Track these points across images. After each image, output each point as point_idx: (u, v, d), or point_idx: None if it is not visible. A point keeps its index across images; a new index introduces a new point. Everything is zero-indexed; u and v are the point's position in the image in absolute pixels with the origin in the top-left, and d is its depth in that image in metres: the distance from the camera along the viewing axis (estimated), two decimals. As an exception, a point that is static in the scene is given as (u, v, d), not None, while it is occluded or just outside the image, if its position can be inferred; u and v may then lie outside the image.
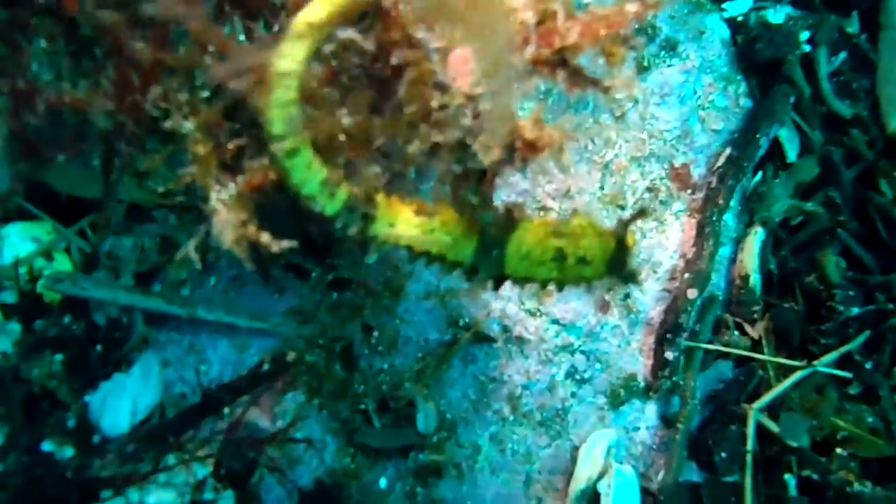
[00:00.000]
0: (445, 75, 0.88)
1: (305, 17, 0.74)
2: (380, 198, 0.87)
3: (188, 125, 0.90)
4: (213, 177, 0.89)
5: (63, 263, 1.26)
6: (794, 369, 1.39)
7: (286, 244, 0.83)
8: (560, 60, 0.93)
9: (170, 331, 1.31)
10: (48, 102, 0.82)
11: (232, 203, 0.90)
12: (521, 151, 0.92)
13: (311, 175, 0.78)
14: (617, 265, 0.88)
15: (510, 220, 0.89)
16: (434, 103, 0.90)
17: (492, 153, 0.89)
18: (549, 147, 0.90)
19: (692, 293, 1.39)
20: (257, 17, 0.95)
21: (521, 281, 0.90)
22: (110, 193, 1.04)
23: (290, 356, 1.21)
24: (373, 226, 0.87)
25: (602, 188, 1.43)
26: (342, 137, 0.90)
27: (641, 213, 0.90)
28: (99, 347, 1.26)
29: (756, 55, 1.45)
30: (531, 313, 1.36)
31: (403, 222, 0.89)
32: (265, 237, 0.85)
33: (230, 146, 0.96)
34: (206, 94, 0.93)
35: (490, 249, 0.89)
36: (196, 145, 0.89)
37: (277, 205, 1.04)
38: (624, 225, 0.87)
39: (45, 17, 0.84)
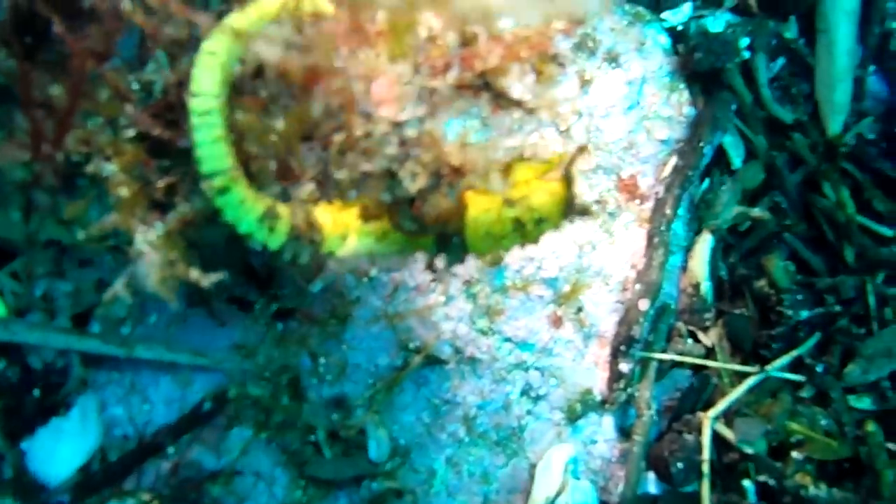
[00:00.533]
0: (369, 103, 0.86)
1: (210, 45, 0.71)
2: (322, 216, 0.84)
3: (111, 167, 0.87)
4: (137, 218, 0.87)
5: (-4, 307, 1.22)
6: (747, 375, 1.39)
7: (214, 277, 0.80)
8: (483, 83, 0.92)
9: (109, 370, 1.26)
10: None
11: (159, 243, 0.87)
12: (447, 177, 0.90)
13: (245, 212, 0.75)
14: (570, 209, 0.88)
15: (461, 204, 0.88)
16: (359, 132, 0.88)
17: (418, 180, 0.87)
18: (474, 172, 0.89)
19: (644, 304, 1.37)
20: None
21: (486, 254, 0.91)
22: (33, 241, 1.01)
23: (231, 392, 1.18)
24: (323, 247, 0.84)
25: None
26: (272, 167, 0.88)
27: (581, 149, 0.90)
28: (35, 392, 1.22)
29: (696, 65, 1.45)
30: (483, 332, 1.34)
31: (354, 233, 0.86)
32: (194, 273, 0.82)
33: (160, 184, 0.93)
34: (131, 133, 0.90)
35: (449, 237, 0.88)
36: (119, 188, 0.86)
37: (214, 237, 1.02)
38: (567, 167, 0.88)
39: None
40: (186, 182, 0.97)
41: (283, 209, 0.78)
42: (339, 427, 1.25)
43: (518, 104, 0.90)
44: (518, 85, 0.96)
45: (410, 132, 0.90)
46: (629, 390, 1.36)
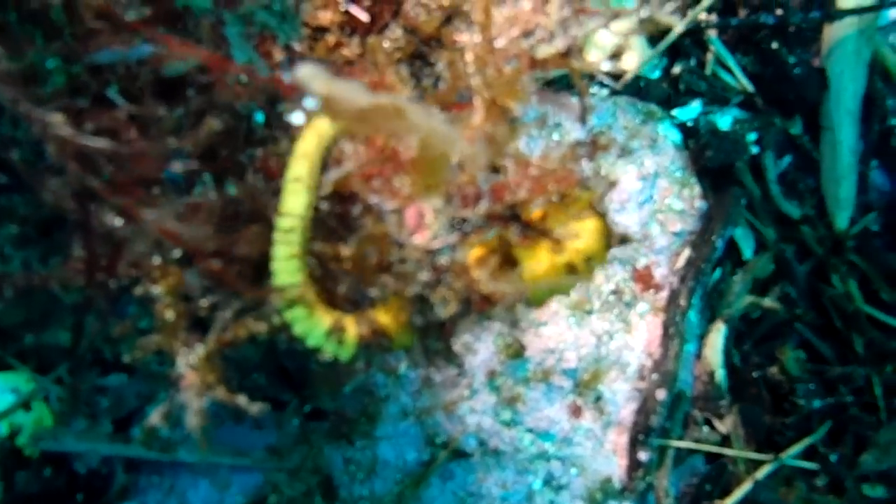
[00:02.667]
0: (401, 234, 0.88)
1: (294, 172, 0.75)
2: (383, 318, 0.86)
3: (157, 290, 0.89)
4: (179, 340, 0.88)
5: (42, 412, 1.23)
6: (762, 463, 1.38)
7: (258, 406, 0.81)
8: (512, 215, 0.93)
9: (150, 474, 1.27)
10: (16, 286, 0.80)
11: (199, 365, 0.88)
12: (476, 305, 0.91)
13: (313, 325, 0.77)
14: (611, 240, 0.90)
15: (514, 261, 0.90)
16: (393, 258, 0.89)
17: (449, 307, 0.88)
18: (502, 302, 0.90)
19: (661, 394, 1.37)
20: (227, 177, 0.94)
21: (546, 302, 0.94)
22: (79, 363, 1.02)
23: (271, 499, 1.18)
24: (395, 346, 0.86)
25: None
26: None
27: (610, 183, 0.93)
28: (80, 497, 1.22)
29: (708, 161, 1.47)
30: (506, 424, 1.34)
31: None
32: (240, 400, 0.83)
33: (204, 303, 0.95)
34: (177, 254, 0.92)
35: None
36: (165, 310, 0.87)
37: (250, 353, 1.03)
38: (598, 202, 0.89)
39: (11, 196, 0.83)
40: (229, 300, 0.98)
41: (348, 320, 0.80)
42: (369, 528, 1.25)
43: (545, 233, 0.91)
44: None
45: (442, 260, 0.91)
46: (648, 478, 1.35)
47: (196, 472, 1.26)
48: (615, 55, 1.54)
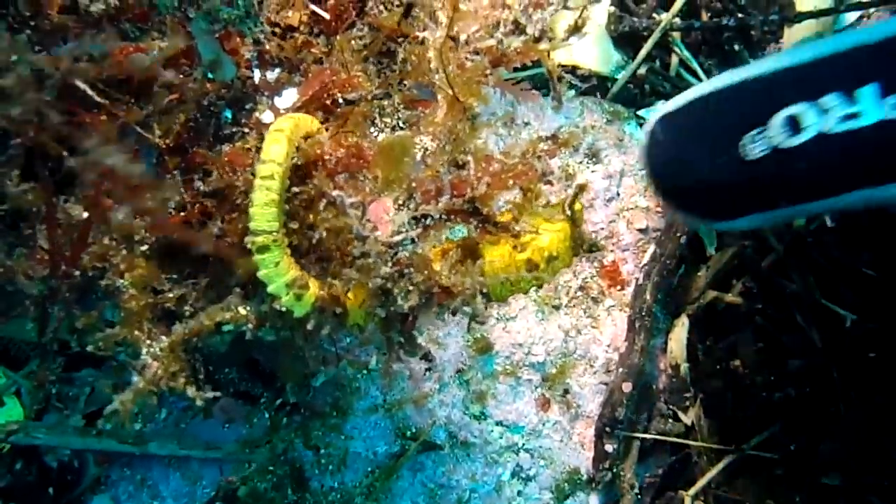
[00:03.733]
0: (363, 228, 0.88)
1: (277, 125, 0.77)
2: (349, 297, 0.86)
3: (124, 282, 0.89)
4: (144, 332, 0.88)
5: (14, 407, 1.22)
6: (725, 453, 1.40)
7: (209, 395, 0.82)
8: (472, 209, 0.94)
9: (121, 467, 1.26)
10: None
11: (163, 356, 0.88)
12: (437, 297, 0.92)
13: (278, 274, 0.78)
14: (579, 245, 0.92)
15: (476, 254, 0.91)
16: (355, 251, 0.90)
17: (411, 299, 0.89)
18: (462, 294, 0.91)
19: (627, 387, 1.39)
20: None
21: (505, 299, 0.95)
22: (46, 350, 1.02)
23: (241, 490, 1.18)
24: (348, 320, 0.86)
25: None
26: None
27: (581, 187, 0.95)
28: (51, 491, 1.22)
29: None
30: (475, 417, 1.35)
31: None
32: (191, 391, 0.84)
33: (170, 295, 0.95)
34: (143, 248, 0.92)
35: None
36: (130, 301, 0.88)
37: (216, 344, 1.03)
38: (570, 205, 0.90)
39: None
40: (195, 292, 0.99)
41: (312, 282, 0.81)
42: (341, 516, 1.25)
43: (505, 229, 0.92)
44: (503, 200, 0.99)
45: (403, 254, 0.92)
46: (614, 469, 1.37)
47: (167, 466, 1.26)
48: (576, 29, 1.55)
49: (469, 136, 0.92)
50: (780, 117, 0.69)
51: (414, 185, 0.92)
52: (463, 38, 0.91)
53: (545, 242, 0.91)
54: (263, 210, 0.74)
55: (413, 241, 0.92)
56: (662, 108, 0.79)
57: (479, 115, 0.95)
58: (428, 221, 0.94)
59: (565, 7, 0.89)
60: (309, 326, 0.84)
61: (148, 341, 0.83)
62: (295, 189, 0.89)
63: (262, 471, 1.22)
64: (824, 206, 0.71)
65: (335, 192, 0.88)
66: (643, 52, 1.54)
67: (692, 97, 0.76)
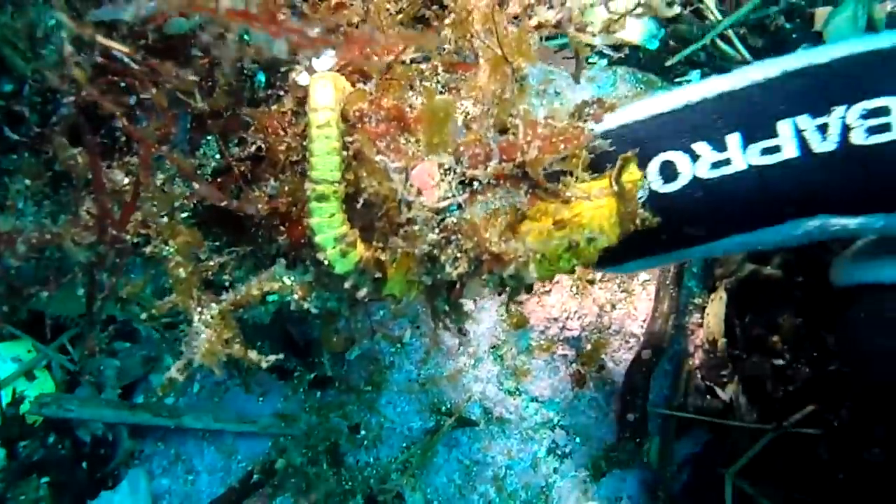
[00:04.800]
0: (408, 193, 0.88)
1: (319, 74, 0.79)
2: (391, 267, 0.86)
3: (168, 249, 0.89)
4: (194, 298, 0.88)
5: (45, 381, 1.22)
6: (765, 431, 1.40)
7: (272, 359, 0.82)
8: (521, 173, 0.94)
9: (155, 441, 1.27)
10: (29, 242, 0.80)
11: (215, 322, 0.88)
12: (487, 264, 0.92)
13: (329, 225, 0.78)
14: (627, 221, 0.88)
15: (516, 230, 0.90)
16: (401, 218, 0.90)
17: (460, 266, 0.89)
18: (514, 261, 0.90)
19: (646, 353, 1.38)
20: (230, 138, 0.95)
21: (546, 278, 0.94)
22: (93, 322, 1.02)
23: (279, 463, 1.18)
24: (385, 288, 0.86)
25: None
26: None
27: (626, 159, 0.92)
28: (85, 465, 1.22)
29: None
30: (510, 393, 1.35)
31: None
32: (252, 355, 0.84)
33: (212, 263, 0.95)
34: (185, 215, 0.92)
35: None
36: (177, 268, 0.88)
37: (260, 315, 1.03)
38: (617, 179, 0.88)
39: (23, 155, 0.83)
40: (237, 261, 0.99)
41: (360, 243, 0.81)
42: (376, 492, 1.25)
43: (555, 194, 0.92)
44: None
45: (450, 219, 0.92)
46: (637, 440, 1.37)
47: (201, 440, 1.26)
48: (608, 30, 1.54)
49: (518, 99, 0.92)
50: (656, 163, 0.71)
51: (461, 148, 0.92)
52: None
53: (585, 220, 0.89)
54: (324, 159, 0.74)
55: (460, 206, 0.92)
56: None
57: (528, 77, 0.95)
58: (476, 186, 0.93)
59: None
60: (347, 284, 0.83)
61: (199, 309, 0.83)
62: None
63: (297, 445, 1.22)
64: (702, 252, 0.73)
65: (378, 157, 0.88)
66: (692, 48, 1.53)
67: None
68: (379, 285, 0.86)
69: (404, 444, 1.30)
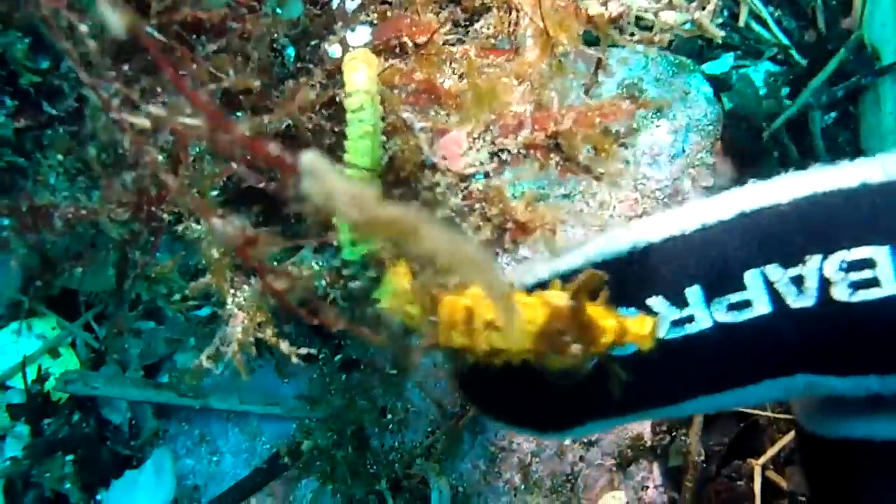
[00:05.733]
0: (433, 154, 0.88)
1: (352, 56, 0.78)
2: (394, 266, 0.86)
3: (200, 228, 0.89)
4: (227, 280, 0.88)
5: (70, 359, 1.23)
6: (794, 421, 1.39)
7: (304, 352, 0.81)
8: (554, 145, 0.94)
9: (180, 422, 1.28)
10: (64, 217, 0.80)
11: (249, 306, 0.88)
12: (512, 233, 0.92)
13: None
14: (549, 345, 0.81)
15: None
16: (424, 182, 0.89)
17: (483, 233, 0.89)
18: (541, 229, 0.90)
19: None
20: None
21: None
22: (122, 300, 1.02)
23: (305, 445, 1.19)
24: (376, 291, 0.86)
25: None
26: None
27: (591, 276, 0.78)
28: (109, 444, 1.23)
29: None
30: (537, 380, 1.35)
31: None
32: (284, 346, 0.84)
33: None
34: (215, 192, 0.92)
35: None
36: (210, 248, 0.88)
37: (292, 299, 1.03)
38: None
39: (57, 129, 0.83)
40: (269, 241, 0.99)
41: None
42: (401, 476, 1.26)
43: (587, 170, 0.92)
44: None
45: (476, 186, 0.92)
46: (672, 433, 1.37)
47: (226, 421, 1.27)
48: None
49: (556, 74, 0.91)
50: None
51: (493, 118, 0.92)
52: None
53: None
54: (357, 143, 0.74)
55: (487, 175, 0.92)
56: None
57: (568, 55, 0.94)
58: (505, 157, 0.93)
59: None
60: (345, 271, 0.83)
61: (232, 291, 0.83)
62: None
63: (322, 428, 1.23)
64: (664, 414, 0.64)
65: (405, 114, 0.87)
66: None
67: None
68: (372, 287, 0.85)
69: (429, 429, 1.30)
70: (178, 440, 1.28)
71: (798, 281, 0.54)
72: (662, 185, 1.47)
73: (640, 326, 0.57)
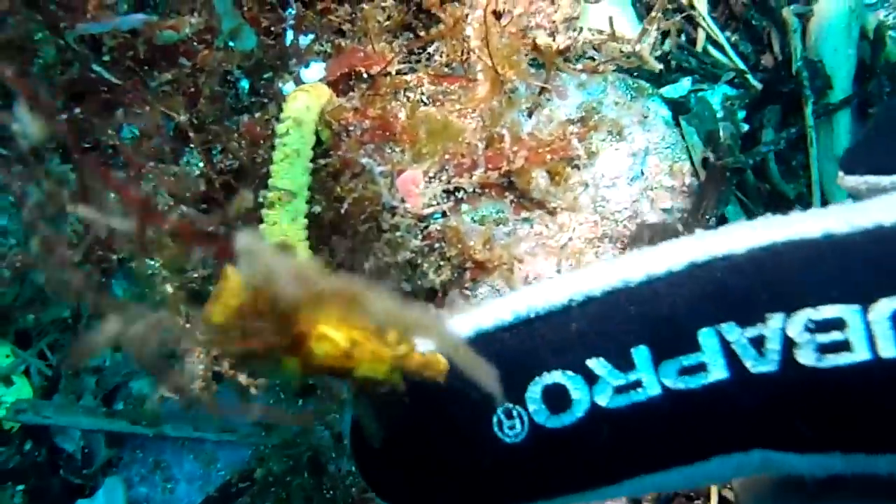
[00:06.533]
0: (393, 197, 0.90)
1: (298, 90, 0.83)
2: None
3: (155, 264, 0.90)
4: (182, 314, 0.89)
5: (23, 387, 1.24)
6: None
7: (262, 383, 0.83)
8: (507, 183, 0.96)
9: (133, 449, 1.29)
10: (13, 267, 0.81)
11: (205, 339, 0.89)
12: (471, 272, 0.94)
13: (271, 233, 0.80)
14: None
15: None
16: (385, 224, 0.91)
17: (443, 273, 0.91)
18: (499, 269, 0.92)
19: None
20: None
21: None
22: (77, 339, 1.03)
23: (259, 472, 1.20)
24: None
25: (559, 272, 1.46)
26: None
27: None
28: (62, 473, 1.24)
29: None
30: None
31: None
32: (242, 378, 0.85)
33: (196, 275, 0.97)
34: (167, 226, 0.93)
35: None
36: (164, 284, 0.89)
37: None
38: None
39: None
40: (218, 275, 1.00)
41: (308, 255, 0.82)
42: (358, 501, 1.27)
43: (541, 205, 0.94)
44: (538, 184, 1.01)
45: (434, 227, 0.94)
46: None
47: (180, 448, 1.28)
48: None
49: (506, 110, 0.94)
50: (538, 386, 0.52)
51: (447, 157, 0.94)
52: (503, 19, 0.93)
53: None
54: (280, 166, 0.78)
55: (444, 214, 0.94)
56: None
57: (517, 91, 0.97)
58: (460, 195, 0.95)
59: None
60: None
61: (188, 325, 0.85)
62: (321, 161, 0.91)
63: (278, 454, 1.24)
64: (596, 496, 0.55)
65: (364, 160, 0.90)
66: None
67: None
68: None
69: (387, 454, 1.31)
70: (133, 468, 1.29)
71: (758, 342, 0.49)
72: (622, 207, 1.50)
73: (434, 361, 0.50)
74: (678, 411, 0.50)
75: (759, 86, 1.60)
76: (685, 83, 1.61)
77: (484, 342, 0.53)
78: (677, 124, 1.57)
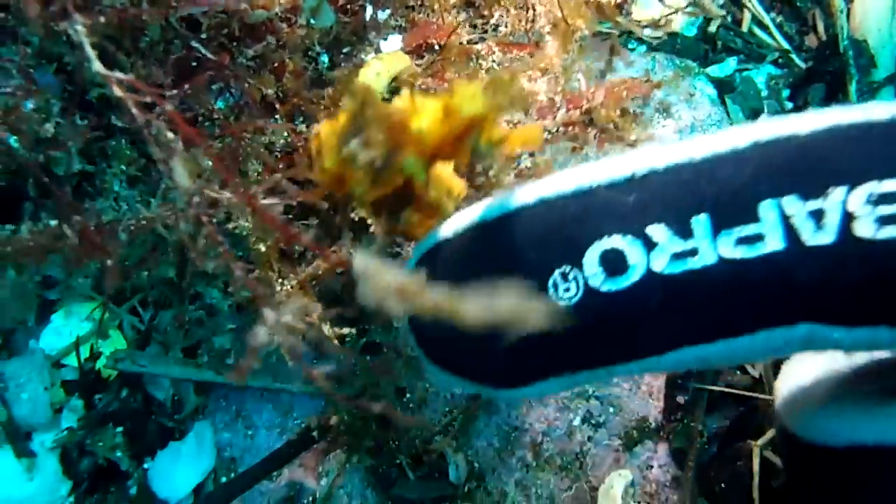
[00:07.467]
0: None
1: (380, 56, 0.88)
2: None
3: (247, 225, 0.99)
4: (275, 271, 0.98)
5: (118, 340, 1.34)
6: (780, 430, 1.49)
7: (345, 331, 0.91)
8: (588, 120, 1.04)
9: (218, 399, 1.39)
10: (127, 229, 0.89)
11: (294, 292, 0.98)
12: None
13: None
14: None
15: None
16: (478, 166, 0.99)
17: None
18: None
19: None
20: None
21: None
22: (182, 298, 1.13)
23: (334, 419, 1.29)
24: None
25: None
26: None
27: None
28: (155, 418, 1.34)
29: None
30: (548, 364, 1.45)
31: None
32: (326, 328, 0.93)
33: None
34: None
35: None
36: (257, 243, 0.98)
37: (334, 286, 1.13)
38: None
39: (120, 139, 0.93)
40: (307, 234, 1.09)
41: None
42: (421, 451, 1.36)
43: (620, 138, 1.02)
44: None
45: (524, 164, 1.02)
46: (683, 419, 1.47)
47: (260, 398, 1.38)
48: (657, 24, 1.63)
49: (578, 58, 1.02)
50: (596, 251, 0.53)
51: (529, 103, 1.02)
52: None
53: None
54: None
55: (532, 153, 1.02)
56: (442, 230, 0.59)
57: (587, 39, 1.04)
58: (545, 135, 1.03)
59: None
60: None
61: (280, 279, 0.93)
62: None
63: (349, 406, 1.33)
64: (637, 369, 0.56)
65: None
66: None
67: (479, 219, 0.58)
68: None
69: (447, 409, 1.41)
70: (217, 415, 1.39)
71: (817, 215, 0.49)
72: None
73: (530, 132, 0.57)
74: (731, 281, 0.51)
75: (803, 65, 1.65)
76: (731, 63, 1.67)
77: (545, 208, 0.55)
78: (723, 102, 1.63)
